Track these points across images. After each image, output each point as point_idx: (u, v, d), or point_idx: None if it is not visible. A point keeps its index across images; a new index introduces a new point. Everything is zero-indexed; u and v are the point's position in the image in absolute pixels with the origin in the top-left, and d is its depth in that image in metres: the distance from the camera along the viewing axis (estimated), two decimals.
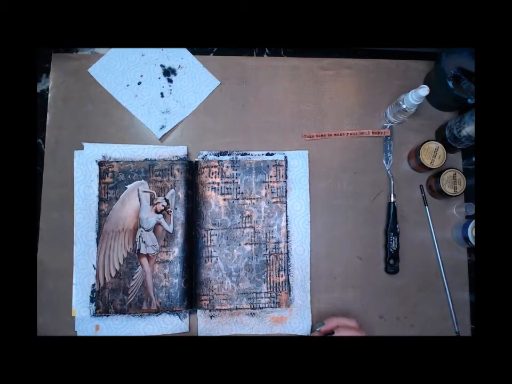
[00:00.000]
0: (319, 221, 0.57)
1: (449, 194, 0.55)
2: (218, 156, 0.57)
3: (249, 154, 0.57)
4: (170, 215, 0.53)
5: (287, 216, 0.56)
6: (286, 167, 0.56)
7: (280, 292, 0.54)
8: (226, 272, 0.54)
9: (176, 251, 0.53)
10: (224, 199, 0.55)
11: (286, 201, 0.56)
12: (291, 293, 0.54)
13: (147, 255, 0.53)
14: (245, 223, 0.55)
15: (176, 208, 0.54)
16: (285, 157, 0.57)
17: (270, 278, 0.54)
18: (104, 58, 0.58)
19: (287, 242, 0.55)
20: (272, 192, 0.56)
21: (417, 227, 0.57)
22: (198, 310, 0.54)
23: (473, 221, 0.53)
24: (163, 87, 0.58)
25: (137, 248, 0.53)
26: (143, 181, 0.54)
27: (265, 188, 0.56)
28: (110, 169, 0.54)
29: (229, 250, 0.54)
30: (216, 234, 0.55)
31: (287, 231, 0.55)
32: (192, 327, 0.54)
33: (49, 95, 0.57)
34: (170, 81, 0.58)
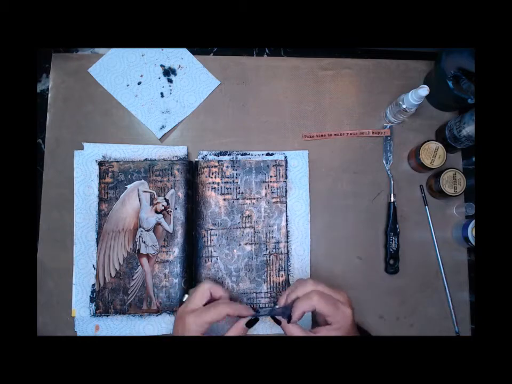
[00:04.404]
0: (319, 221, 0.57)
1: (449, 194, 0.55)
2: (218, 156, 0.57)
3: (249, 154, 0.57)
4: (170, 215, 0.53)
5: (287, 216, 0.56)
6: (286, 167, 0.56)
7: (280, 292, 0.54)
8: (226, 272, 0.54)
9: (176, 251, 0.53)
10: (224, 199, 0.55)
11: (286, 201, 0.56)
12: None
13: (147, 255, 0.53)
14: (245, 223, 0.55)
15: (176, 208, 0.54)
16: (285, 157, 0.57)
17: (270, 278, 0.54)
18: (104, 58, 0.58)
19: (287, 242, 0.55)
20: (272, 192, 0.56)
21: (417, 227, 0.57)
22: None
23: (473, 221, 0.53)
24: (163, 87, 0.58)
25: (137, 248, 0.53)
26: (143, 181, 0.54)
27: (265, 188, 0.56)
28: (110, 169, 0.54)
29: (229, 250, 0.54)
30: (216, 234, 0.55)
31: (287, 231, 0.55)
32: None
33: (49, 95, 0.57)
34: (170, 81, 0.58)
